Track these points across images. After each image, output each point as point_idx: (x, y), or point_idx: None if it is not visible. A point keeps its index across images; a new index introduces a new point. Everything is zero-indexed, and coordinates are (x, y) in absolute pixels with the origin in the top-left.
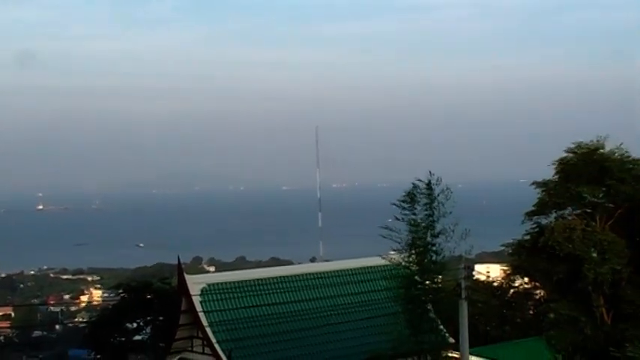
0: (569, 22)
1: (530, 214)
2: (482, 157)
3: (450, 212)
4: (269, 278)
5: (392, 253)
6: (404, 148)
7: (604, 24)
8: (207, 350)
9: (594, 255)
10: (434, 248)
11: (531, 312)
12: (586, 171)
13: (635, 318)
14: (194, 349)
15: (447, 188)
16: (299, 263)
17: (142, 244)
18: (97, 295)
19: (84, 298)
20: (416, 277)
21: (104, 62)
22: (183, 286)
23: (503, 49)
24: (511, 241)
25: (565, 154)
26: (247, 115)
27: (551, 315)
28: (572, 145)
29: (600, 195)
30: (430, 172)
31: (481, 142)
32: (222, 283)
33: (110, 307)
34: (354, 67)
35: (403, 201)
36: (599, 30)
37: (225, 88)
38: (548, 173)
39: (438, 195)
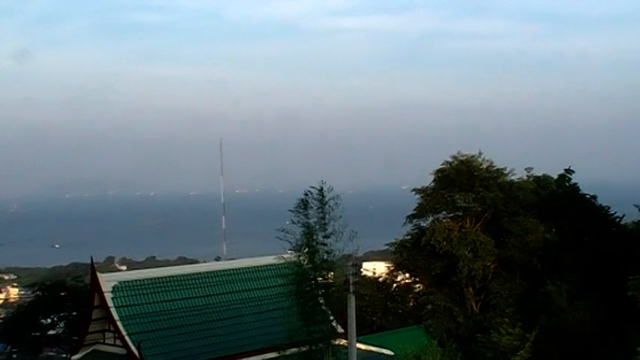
0: (446, 48)
1: (410, 217)
2: (369, 167)
3: (340, 216)
4: (177, 275)
5: (288, 252)
6: (300, 157)
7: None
8: (118, 342)
9: (468, 253)
10: (325, 248)
11: (412, 304)
12: (459, 180)
13: (499, 308)
14: (106, 341)
15: (337, 195)
16: (205, 262)
17: (57, 245)
18: (13, 293)
19: (1, 296)
20: (308, 274)
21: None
22: (95, 283)
23: (387, 69)
24: (394, 240)
25: (441, 165)
26: (156, 128)
27: (429, 306)
28: (449, 158)
29: (470, 200)
30: (322, 180)
31: (367, 152)
32: (132, 281)
33: (26, 304)
34: (250, 84)
35: (297, 206)
36: (468, 57)
37: (133, 103)
38: (426, 181)
39: (328, 201)
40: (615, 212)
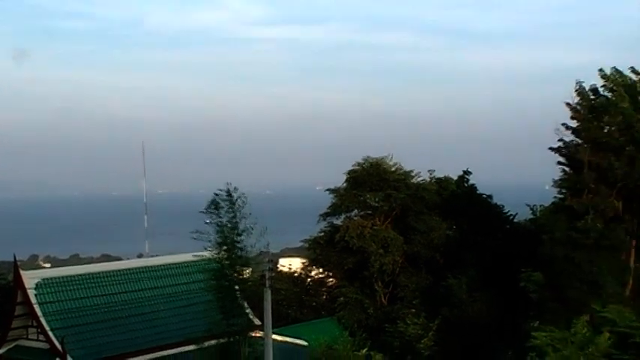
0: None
1: (324, 216)
2: (286, 169)
3: (250, 213)
4: (99, 272)
5: (206, 250)
6: (221, 160)
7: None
8: (41, 338)
9: (380, 249)
10: (239, 245)
11: (325, 297)
12: (369, 181)
13: (406, 300)
14: (29, 337)
15: (243, 194)
16: (127, 259)
17: None
18: None
19: None
20: (225, 270)
21: None
22: (18, 280)
23: (303, 77)
24: (309, 238)
25: (353, 167)
26: (82, 131)
27: (341, 299)
28: (360, 160)
29: (380, 200)
30: (229, 182)
31: (284, 155)
32: (55, 278)
33: None
34: (173, 90)
35: (208, 207)
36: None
37: (59, 107)
38: (339, 182)
39: (237, 200)
40: (509, 211)
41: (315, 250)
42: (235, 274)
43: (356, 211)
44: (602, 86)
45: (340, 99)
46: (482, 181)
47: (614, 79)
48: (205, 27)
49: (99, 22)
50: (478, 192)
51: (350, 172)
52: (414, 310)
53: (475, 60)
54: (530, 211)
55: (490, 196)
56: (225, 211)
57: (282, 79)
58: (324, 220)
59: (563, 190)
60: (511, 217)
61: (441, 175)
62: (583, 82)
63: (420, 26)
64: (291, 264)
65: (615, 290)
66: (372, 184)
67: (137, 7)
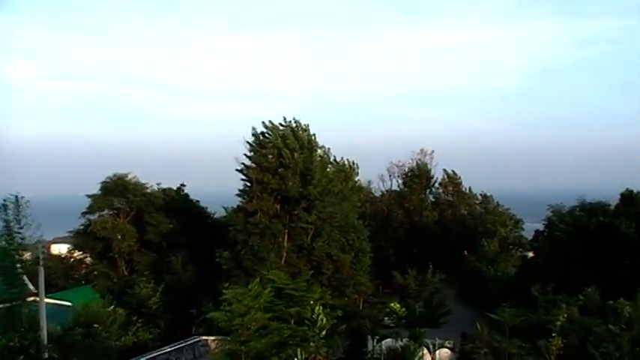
0: None
1: (84, 213)
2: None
3: (30, 214)
4: None
5: None
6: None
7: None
8: None
9: (118, 237)
10: (20, 235)
11: (84, 271)
12: (116, 189)
13: (140, 271)
14: None
15: (23, 197)
16: None
17: None
18: None
19: None
20: (9, 254)
21: None
22: None
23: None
24: (73, 229)
25: (105, 179)
26: None
27: (95, 272)
28: (110, 175)
29: (123, 203)
30: (18, 191)
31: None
32: None
33: None
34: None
35: None
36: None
37: None
38: (95, 190)
39: (21, 204)
40: (210, 211)
41: (77, 239)
42: (18, 256)
43: (107, 210)
44: (264, 132)
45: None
46: (194, 190)
47: (273, 127)
48: None
49: None
50: (190, 198)
51: (102, 183)
52: (144, 279)
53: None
54: (225, 211)
55: (198, 201)
56: (11, 211)
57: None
58: (84, 216)
59: (244, 197)
60: (212, 215)
61: (166, 187)
62: (256, 128)
63: None
64: (61, 249)
65: (275, 261)
66: (118, 191)
67: None
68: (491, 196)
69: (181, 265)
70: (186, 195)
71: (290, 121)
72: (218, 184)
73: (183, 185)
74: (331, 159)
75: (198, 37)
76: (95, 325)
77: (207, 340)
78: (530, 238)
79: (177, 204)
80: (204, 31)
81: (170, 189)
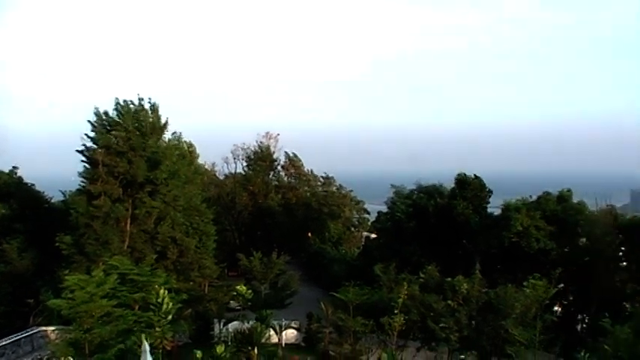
0: None
1: None
2: None
3: None
4: None
5: None
6: None
7: None
8: None
9: None
10: None
11: None
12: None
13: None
14: None
15: None
16: None
17: None
18: None
19: None
20: None
21: None
22: None
23: None
24: None
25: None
26: None
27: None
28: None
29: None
30: None
31: None
32: None
33: None
34: None
35: None
36: None
37: None
38: None
39: None
40: (47, 194)
41: None
42: None
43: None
44: (115, 110)
45: None
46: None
47: (124, 106)
48: None
49: None
50: (24, 182)
51: None
52: None
53: None
54: (62, 195)
55: (33, 185)
56: None
57: None
58: None
59: (86, 180)
60: (49, 199)
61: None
62: (99, 107)
63: None
64: None
65: (118, 246)
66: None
67: None
68: (332, 177)
69: (17, 252)
70: (20, 178)
71: (142, 99)
72: (52, 168)
73: (15, 168)
74: (179, 143)
75: None
76: None
77: (46, 330)
78: (374, 219)
79: (9, 188)
80: None
81: (2, 172)
